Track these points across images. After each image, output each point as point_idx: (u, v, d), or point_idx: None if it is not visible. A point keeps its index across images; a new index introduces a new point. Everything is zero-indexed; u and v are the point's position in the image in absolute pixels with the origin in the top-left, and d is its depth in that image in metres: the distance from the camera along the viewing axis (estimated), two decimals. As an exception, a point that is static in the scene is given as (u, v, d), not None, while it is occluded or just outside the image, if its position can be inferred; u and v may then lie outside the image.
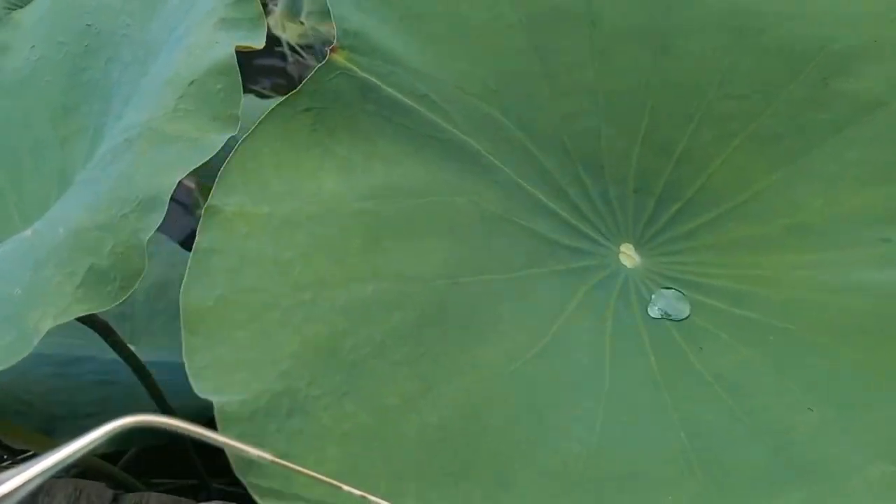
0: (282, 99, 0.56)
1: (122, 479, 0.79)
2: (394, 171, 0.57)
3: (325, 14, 1.16)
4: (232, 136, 0.57)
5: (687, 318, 0.63)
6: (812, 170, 0.67)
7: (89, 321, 0.70)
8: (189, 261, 0.50)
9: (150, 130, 0.58)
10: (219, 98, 0.58)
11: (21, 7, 0.91)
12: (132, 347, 0.83)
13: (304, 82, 0.56)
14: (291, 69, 1.21)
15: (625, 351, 0.62)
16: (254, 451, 0.44)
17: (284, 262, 0.51)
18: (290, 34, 1.16)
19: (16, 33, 0.88)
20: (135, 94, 0.67)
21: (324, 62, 0.57)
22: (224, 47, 0.60)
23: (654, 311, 0.64)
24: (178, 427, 0.42)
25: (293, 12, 1.12)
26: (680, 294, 0.65)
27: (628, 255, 0.68)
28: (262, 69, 1.24)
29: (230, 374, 0.46)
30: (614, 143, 0.68)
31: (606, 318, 0.64)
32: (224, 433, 0.43)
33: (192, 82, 0.59)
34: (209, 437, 0.43)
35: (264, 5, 1.23)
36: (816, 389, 0.59)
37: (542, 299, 0.61)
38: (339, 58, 0.57)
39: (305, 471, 0.44)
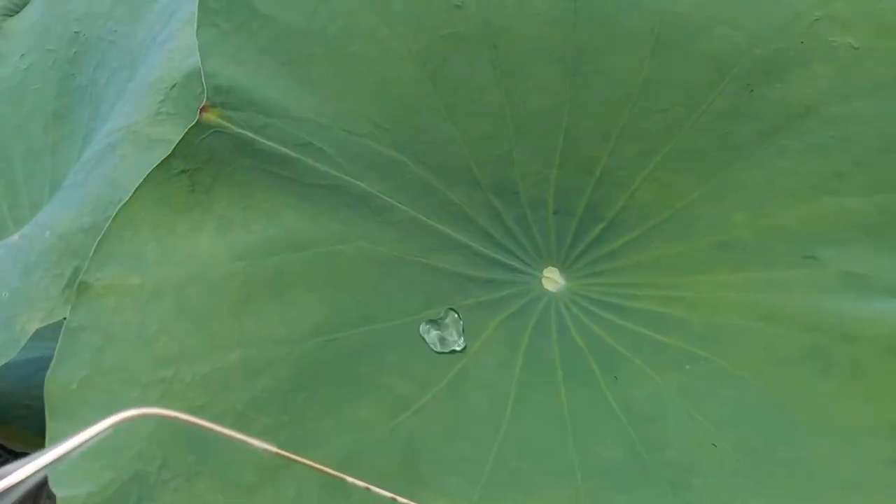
0: (155, 164, 0.56)
1: None
2: (273, 225, 0.57)
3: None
4: None
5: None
6: (738, 182, 0.64)
7: None
8: (58, 342, 0.51)
9: (132, 134, 0.61)
10: (199, 101, 0.59)
11: (11, 16, 0.94)
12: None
13: (176, 144, 0.56)
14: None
15: (534, 386, 0.61)
16: (257, 444, 0.45)
17: (148, 336, 0.52)
18: None
19: (6, 42, 0.91)
20: (120, 99, 0.70)
21: (194, 123, 0.56)
22: None
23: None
24: (181, 419, 0.43)
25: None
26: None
27: (552, 280, 0.66)
28: None
29: (85, 463, 0.47)
30: (528, 167, 0.66)
31: (519, 351, 0.63)
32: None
33: (173, 86, 0.62)
34: (215, 431, 0.44)
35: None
36: (723, 424, 0.57)
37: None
38: (210, 116, 0.57)
39: (308, 462, 0.45)
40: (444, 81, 0.63)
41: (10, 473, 0.38)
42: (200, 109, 0.56)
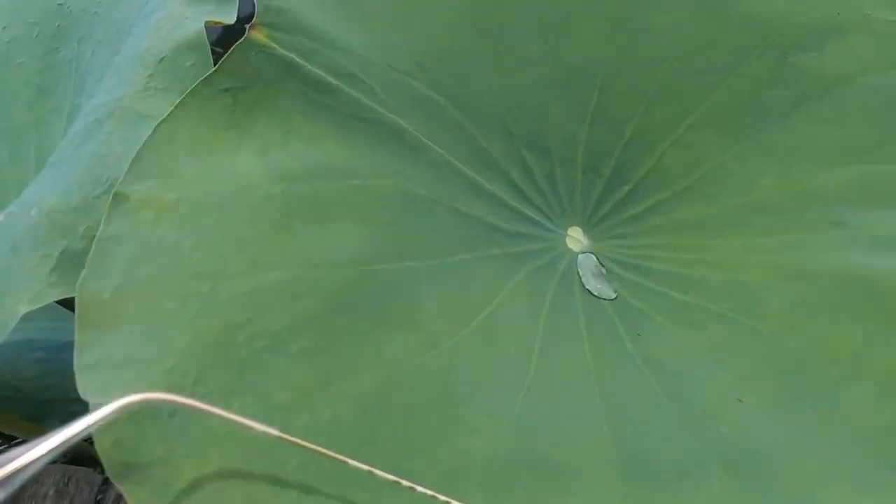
0: (199, 80, 0.55)
1: None
2: (313, 151, 0.56)
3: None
4: None
5: (614, 299, 0.61)
6: (769, 147, 0.65)
7: (72, 304, 0.71)
8: (91, 251, 0.49)
9: (120, 109, 0.58)
10: (189, 74, 0.58)
11: None
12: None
13: (221, 61, 0.55)
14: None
15: (558, 337, 0.60)
16: (259, 427, 0.44)
17: (186, 249, 0.50)
18: None
19: (-14, 15, 0.87)
20: (107, 73, 0.67)
21: (242, 39, 0.55)
22: (193, 23, 0.59)
23: (589, 285, 0.62)
24: (182, 403, 0.42)
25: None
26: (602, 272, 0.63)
27: (576, 239, 0.66)
28: None
29: (116, 374, 0.45)
30: (561, 123, 0.66)
31: (544, 303, 0.62)
32: (99, 437, 0.43)
33: (161, 59, 0.59)
34: (215, 413, 0.43)
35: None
36: (749, 380, 0.57)
37: (473, 285, 0.59)
38: (258, 35, 0.56)
39: (306, 444, 0.44)
40: (489, 29, 0.63)
41: (13, 459, 0.37)
42: (249, 27, 0.55)
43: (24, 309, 0.52)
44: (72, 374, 0.85)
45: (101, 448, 0.43)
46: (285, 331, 0.50)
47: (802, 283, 0.60)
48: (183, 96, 0.55)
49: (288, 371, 0.48)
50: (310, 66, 0.57)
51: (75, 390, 0.84)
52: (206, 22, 0.60)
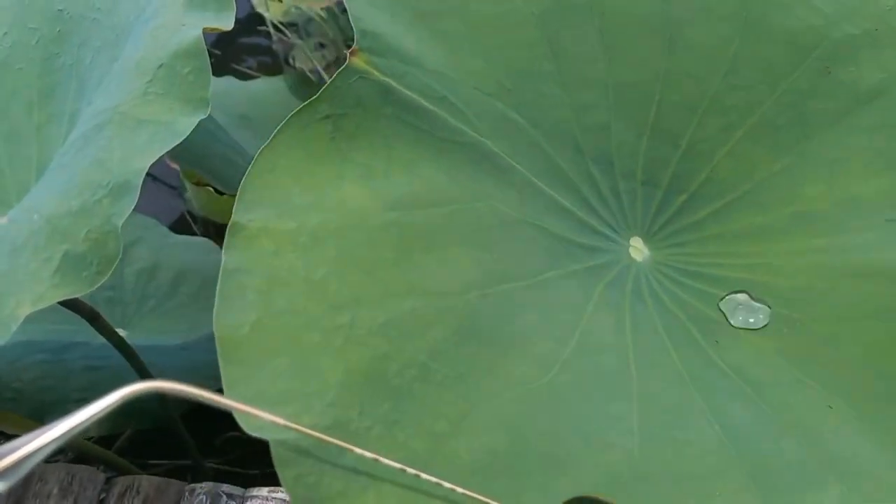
0: (299, 107, 0.53)
1: (115, 463, 0.79)
2: (415, 178, 0.55)
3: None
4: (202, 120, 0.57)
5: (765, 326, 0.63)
6: (815, 158, 0.68)
7: (74, 306, 0.70)
8: (218, 283, 0.48)
9: (120, 115, 0.58)
10: (188, 81, 0.58)
11: None
12: (123, 332, 0.83)
13: (322, 89, 0.54)
14: (276, 47, 1.18)
15: (646, 348, 0.62)
16: (265, 416, 0.43)
17: (318, 280, 0.49)
18: (273, 12, 1.13)
19: (-13, 20, 0.84)
20: (106, 79, 0.66)
21: (344, 66, 0.54)
22: (192, 30, 0.59)
23: (735, 321, 0.63)
24: (189, 393, 0.40)
25: (272, -10, 1.09)
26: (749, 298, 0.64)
27: (637, 249, 0.68)
28: (247, 48, 1.21)
29: (276, 409, 0.44)
30: (623, 137, 0.68)
31: (624, 315, 0.63)
32: (284, 474, 0.42)
33: (160, 66, 0.59)
34: (219, 403, 0.41)
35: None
36: (833, 384, 0.60)
37: (563, 303, 0.60)
38: (358, 61, 0.55)
39: (324, 438, 0.43)
40: (558, 47, 0.64)
41: (15, 449, 0.36)
42: (350, 53, 0.54)
43: (26, 311, 0.52)
44: (71, 374, 0.83)
45: (286, 483, 0.42)
46: (428, 360, 0.49)
47: (864, 283, 0.63)
48: (281, 124, 0.54)
49: (439, 400, 0.48)
50: (406, 91, 0.56)
51: (77, 391, 0.82)
52: (204, 29, 0.60)
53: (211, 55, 0.60)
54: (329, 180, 0.53)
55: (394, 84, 0.56)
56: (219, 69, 1.15)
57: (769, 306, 0.62)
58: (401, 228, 0.53)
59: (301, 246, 0.50)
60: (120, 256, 0.54)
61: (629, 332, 0.62)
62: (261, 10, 1.11)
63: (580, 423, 0.53)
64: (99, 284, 0.53)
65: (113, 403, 0.39)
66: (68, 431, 0.37)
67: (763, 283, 0.66)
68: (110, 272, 0.54)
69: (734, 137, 0.69)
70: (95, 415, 0.38)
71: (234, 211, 0.50)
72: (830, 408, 0.58)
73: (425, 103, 0.57)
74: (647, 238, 0.68)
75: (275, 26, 1.12)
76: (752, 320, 0.63)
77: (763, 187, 0.69)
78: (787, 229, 0.68)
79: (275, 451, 0.43)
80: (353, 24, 0.54)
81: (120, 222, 0.54)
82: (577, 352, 0.58)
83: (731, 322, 0.62)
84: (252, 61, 1.20)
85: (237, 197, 0.51)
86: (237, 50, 1.17)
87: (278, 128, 0.53)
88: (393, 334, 0.49)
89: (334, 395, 0.45)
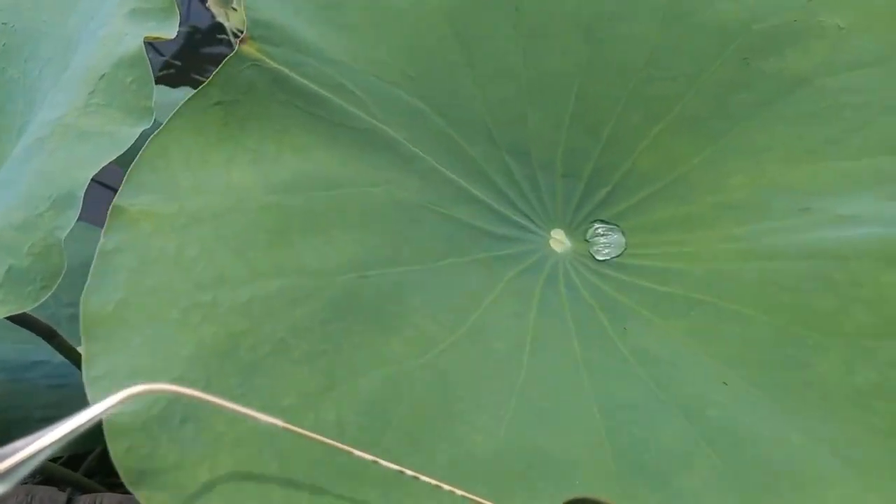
0: (192, 93, 0.55)
1: (81, 483, 0.80)
2: (305, 162, 0.57)
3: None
4: (147, 130, 0.58)
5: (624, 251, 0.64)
6: (737, 148, 0.67)
7: (29, 324, 0.71)
8: (93, 264, 0.50)
9: (62, 127, 0.58)
10: (130, 91, 0.59)
11: None
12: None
13: (213, 75, 0.56)
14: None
15: (547, 336, 0.62)
16: (263, 418, 0.44)
17: (187, 260, 0.51)
18: (233, 21, 1.16)
19: (-69, 36, 0.86)
20: (52, 90, 0.67)
21: (233, 53, 0.56)
22: (133, 39, 0.60)
23: (600, 255, 0.65)
24: (188, 394, 0.42)
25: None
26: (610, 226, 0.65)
27: (558, 241, 0.68)
28: (209, 58, 1.24)
29: (124, 385, 0.46)
30: (541, 129, 0.68)
31: (531, 304, 0.64)
32: (113, 446, 0.44)
33: (102, 76, 0.59)
34: (220, 405, 0.43)
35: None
36: (732, 361, 0.59)
37: (462, 288, 0.61)
38: (249, 49, 0.57)
39: (316, 437, 0.44)
40: (468, 39, 0.65)
41: (14, 452, 0.37)
42: (240, 41, 0.56)
43: None
44: (35, 392, 0.84)
45: (116, 456, 0.44)
46: (287, 336, 0.51)
47: (775, 262, 0.62)
48: (175, 110, 0.56)
49: (292, 375, 0.49)
50: (300, 79, 0.58)
51: (40, 408, 0.83)
52: (146, 38, 0.60)
53: (172, 66, 0.61)
54: (219, 165, 0.55)
55: (287, 72, 0.58)
56: (179, 80, 1.16)
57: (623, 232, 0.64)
58: (281, 210, 0.55)
59: (178, 227, 0.52)
60: (64, 269, 0.54)
61: (532, 320, 0.62)
62: (221, 19, 1.14)
63: (451, 404, 0.53)
64: (43, 299, 0.54)
65: (115, 404, 0.40)
66: (68, 433, 0.39)
67: (678, 269, 0.66)
68: (55, 286, 0.53)
69: (656, 129, 0.69)
70: (96, 415, 0.40)
71: (117, 195, 0.52)
72: (725, 384, 0.57)
73: (321, 90, 0.59)
74: (569, 230, 0.69)
75: (235, 35, 1.14)
76: (608, 250, 0.64)
77: (686, 178, 0.69)
78: (709, 219, 0.67)
79: (107, 425, 0.44)
80: (244, 14, 0.56)
81: (63, 235, 0.54)
82: (468, 336, 0.59)
83: (598, 258, 0.63)
84: (213, 71, 1.22)
85: (124, 180, 0.53)
86: (199, 60, 1.20)
87: (171, 114, 0.55)
88: (256, 312, 0.50)
89: (181, 371, 0.47)
